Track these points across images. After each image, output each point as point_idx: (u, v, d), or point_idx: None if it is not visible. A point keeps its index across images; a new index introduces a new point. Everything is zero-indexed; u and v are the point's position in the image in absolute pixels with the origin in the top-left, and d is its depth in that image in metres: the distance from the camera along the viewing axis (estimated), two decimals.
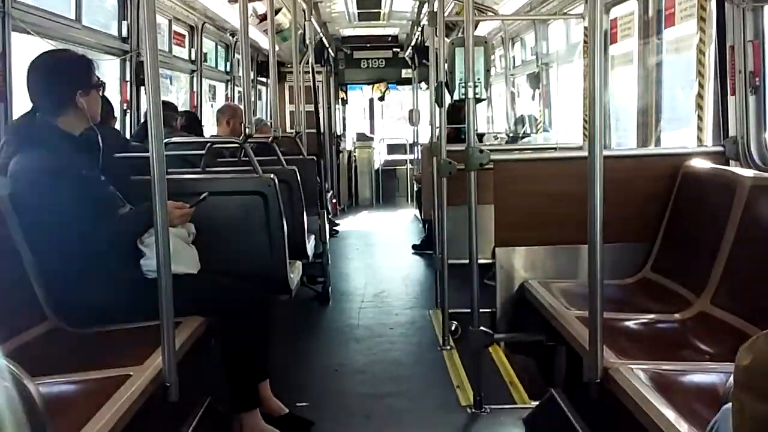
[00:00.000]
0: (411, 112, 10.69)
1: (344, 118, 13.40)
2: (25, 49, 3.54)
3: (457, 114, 5.72)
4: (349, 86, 13.15)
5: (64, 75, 2.80)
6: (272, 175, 3.54)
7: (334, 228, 9.27)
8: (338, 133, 12.43)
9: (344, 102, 13.26)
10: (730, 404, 1.46)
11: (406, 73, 12.00)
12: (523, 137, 6.61)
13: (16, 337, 2.55)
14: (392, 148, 13.54)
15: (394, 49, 12.24)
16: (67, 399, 2.17)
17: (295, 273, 3.90)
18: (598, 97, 2.18)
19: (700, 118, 3.54)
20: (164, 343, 2.27)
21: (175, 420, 2.47)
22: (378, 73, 12.64)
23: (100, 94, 2.89)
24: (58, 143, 2.76)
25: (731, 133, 3.27)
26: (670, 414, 1.80)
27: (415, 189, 9.87)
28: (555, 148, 5.27)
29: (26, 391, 1.55)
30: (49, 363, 2.41)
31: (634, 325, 2.71)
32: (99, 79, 2.87)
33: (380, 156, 13.42)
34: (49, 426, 1.65)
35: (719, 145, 3.34)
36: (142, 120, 5.31)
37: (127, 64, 5.19)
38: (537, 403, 3.32)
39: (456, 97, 3.69)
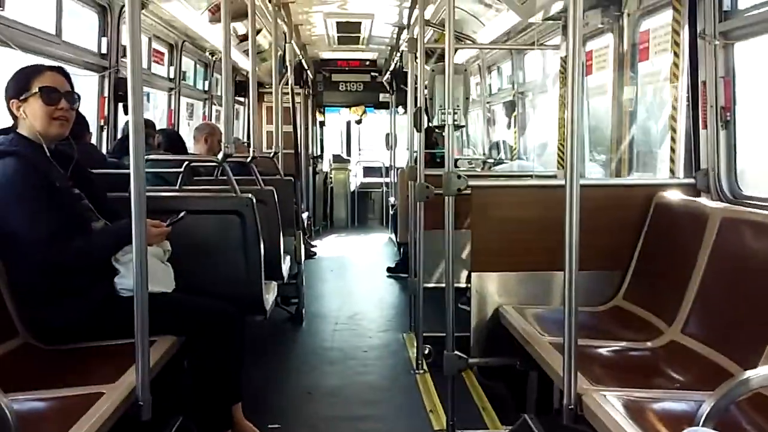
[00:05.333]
0: (387, 135, 10.76)
1: (321, 140, 13.43)
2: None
3: (428, 137, 5.79)
4: (327, 108, 13.20)
5: (3, 87, 2.83)
6: (250, 195, 3.54)
7: (312, 250, 9.24)
8: (315, 155, 12.45)
9: (322, 124, 13.30)
10: (692, 429, 1.50)
11: (383, 97, 12.09)
12: (497, 163, 6.68)
13: None
14: (368, 171, 13.59)
15: (372, 74, 12.34)
16: (39, 416, 2.15)
17: (270, 294, 3.88)
18: (575, 126, 2.22)
19: (672, 150, 3.63)
20: (139, 361, 2.25)
21: None
22: (356, 97, 12.72)
23: (52, 104, 2.75)
24: (29, 152, 2.75)
25: (702, 165, 3.35)
26: None
27: (391, 212, 9.91)
28: (531, 176, 5.34)
29: None
30: (20, 379, 2.37)
31: (606, 353, 2.75)
32: (45, 87, 2.74)
33: (356, 178, 13.46)
34: None
35: (691, 177, 3.42)
36: (119, 136, 5.28)
37: (106, 80, 5.17)
38: (509, 428, 3.33)
39: (435, 122, 3.74)
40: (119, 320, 2.52)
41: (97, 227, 2.96)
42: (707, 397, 1.61)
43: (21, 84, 2.78)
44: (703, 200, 3.17)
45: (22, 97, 2.76)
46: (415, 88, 4.88)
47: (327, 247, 10.32)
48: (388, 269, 8.01)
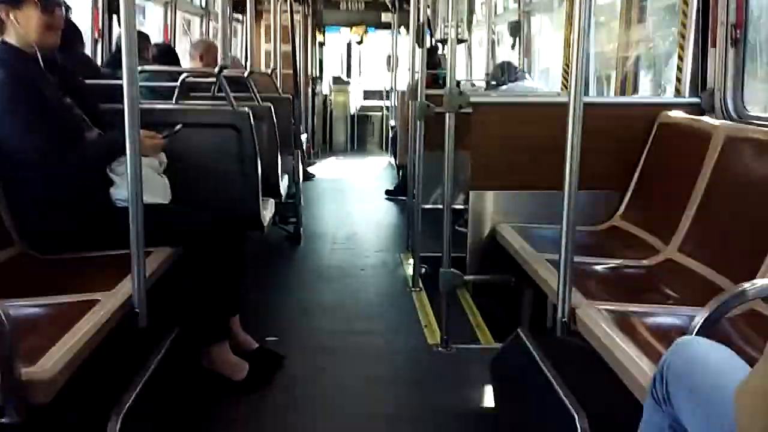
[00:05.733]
0: (389, 57, 10.55)
1: (321, 61, 13.18)
2: None
3: (431, 57, 5.67)
4: (327, 28, 12.90)
5: None
6: (247, 109, 3.48)
7: (310, 172, 9.22)
8: (314, 76, 12.24)
9: (321, 44, 13.02)
10: (683, 338, 1.49)
11: (385, 17, 11.80)
12: (501, 84, 6.56)
13: None
14: (368, 94, 13.39)
15: None
16: (34, 321, 2.15)
17: (268, 210, 3.88)
18: (580, 42, 2.16)
19: (679, 69, 3.54)
20: (134, 270, 2.25)
21: (144, 348, 2.46)
22: (357, 16, 12.44)
23: (48, 13, 2.70)
24: (13, 60, 2.68)
25: (709, 84, 3.28)
26: (633, 351, 1.84)
27: (390, 135, 9.82)
28: (534, 95, 5.26)
29: None
30: (14, 287, 2.38)
31: (602, 269, 2.75)
32: None
33: (356, 101, 13.28)
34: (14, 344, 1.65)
35: (696, 96, 3.35)
36: (114, 49, 5.17)
37: None
38: (502, 344, 3.38)
39: (438, 37, 3.65)
40: (115, 230, 2.51)
41: (90, 137, 2.92)
42: (701, 310, 1.61)
43: None
44: (707, 119, 3.11)
45: (15, 4, 2.67)
46: (418, 5, 4.76)
47: (325, 170, 10.27)
48: (387, 192, 7.99)
